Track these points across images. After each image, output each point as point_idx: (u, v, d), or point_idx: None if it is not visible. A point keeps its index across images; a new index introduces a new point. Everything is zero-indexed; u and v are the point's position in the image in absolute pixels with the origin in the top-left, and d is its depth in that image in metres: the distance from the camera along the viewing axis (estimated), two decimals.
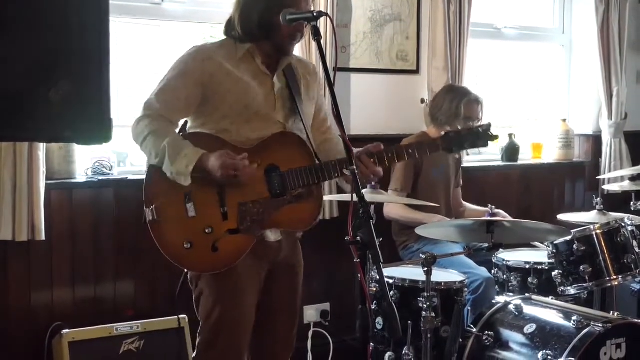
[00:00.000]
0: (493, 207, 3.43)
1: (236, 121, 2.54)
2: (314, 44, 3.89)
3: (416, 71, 4.64)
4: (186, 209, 2.47)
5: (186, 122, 2.65)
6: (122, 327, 3.55)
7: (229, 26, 2.62)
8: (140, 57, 4.21)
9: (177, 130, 2.63)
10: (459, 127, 2.71)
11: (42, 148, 3.47)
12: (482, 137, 2.69)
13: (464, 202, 4.44)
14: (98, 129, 1.09)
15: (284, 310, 2.75)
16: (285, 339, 2.78)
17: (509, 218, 3.98)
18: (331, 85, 2.34)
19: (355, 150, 2.43)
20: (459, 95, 4.11)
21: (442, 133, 2.69)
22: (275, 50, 2.59)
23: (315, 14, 2.37)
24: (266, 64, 2.61)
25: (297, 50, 3.99)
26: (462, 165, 4.48)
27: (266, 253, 2.59)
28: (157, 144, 2.44)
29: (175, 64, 2.58)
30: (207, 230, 2.48)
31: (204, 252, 2.49)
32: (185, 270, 2.61)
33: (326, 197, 3.86)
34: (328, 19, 2.55)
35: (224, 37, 2.65)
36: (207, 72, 2.52)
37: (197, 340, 2.64)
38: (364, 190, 2.34)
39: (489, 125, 2.71)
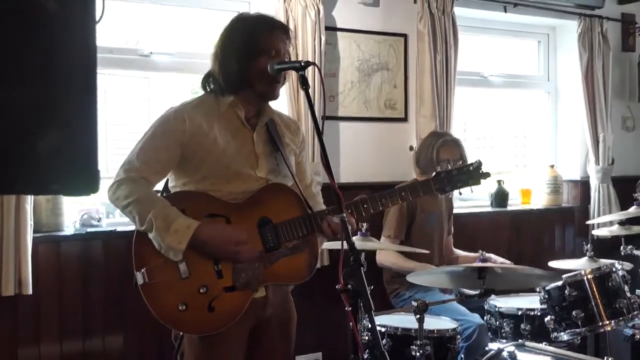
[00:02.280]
0: (484, 252, 3.42)
1: (216, 182, 2.49)
2: (302, 93, 3.94)
3: (404, 119, 4.68)
4: (179, 269, 2.40)
5: (167, 180, 2.61)
6: None
7: (208, 80, 2.59)
8: (129, 108, 4.23)
9: (160, 189, 2.59)
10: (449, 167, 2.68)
11: (29, 201, 3.45)
12: (474, 175, 2.67)
13: (455, 250, 4.43)
14: (86, 180, 1.08)
15: None
16: None
17: (501, 260, 3.99)
18: (320, 134, 2.34)
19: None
20: (435, 139, 4.17)
21: (433, 174, 2.67)
22: (259, 98, 2.57)
23: (303, 64, 2.37)
24: (248, 117, 2.57)
25: (285, 98, 4.03)
26: (453, 212, 4.48)
27: (251, 310, 2.48)
28: (142, 213, 2.38)
29: (155, 123, 2.52)
30: (201, 290, 2.41)
31: (200, 313, 2.41)
32: (181, 333, 2.53)
33: None
34: (316, 68, 2.55)
35: (202, 93, 2.62)
36: (188, 132, 2.46)
37: None
38: (354, 238, 2.32)
39: (479, 163, 2.68)
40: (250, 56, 2.48)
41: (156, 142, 2.48)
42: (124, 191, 2.40)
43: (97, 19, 1.12)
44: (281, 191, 2.58)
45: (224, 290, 2.44)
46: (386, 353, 2.26)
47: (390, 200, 2.61)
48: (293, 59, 3.93)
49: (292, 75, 3.94)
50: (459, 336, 3.42)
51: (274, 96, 2.60)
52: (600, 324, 3.46)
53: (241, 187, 2.51)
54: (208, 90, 2.60)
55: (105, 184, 2.40)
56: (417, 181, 2.65)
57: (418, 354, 3.01)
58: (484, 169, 2.71)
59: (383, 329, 3.26)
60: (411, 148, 4.60)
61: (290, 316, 2.72)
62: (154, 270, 2.41)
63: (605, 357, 3.17)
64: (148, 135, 2.50)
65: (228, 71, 2.51)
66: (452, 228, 4.44)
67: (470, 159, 4.26)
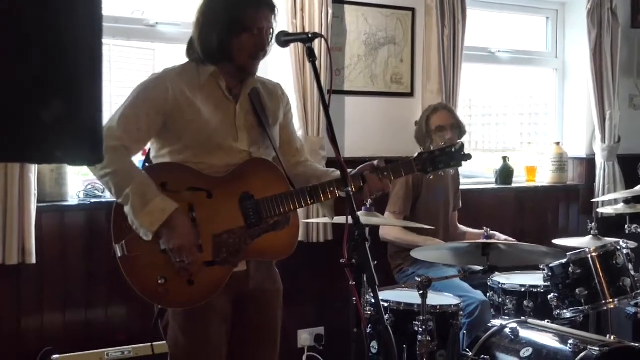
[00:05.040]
0: (488, 229, 3.42)
1: (199, 153, 2.46)
2: (307, 66, 3.91)
3: (410, 94, 4.65)
4: (158, 243, 2.38)
5: (149, 150, 2.58)
6: (113, 352, 3.51)
7: (191, 47, 2.55)
8: (134, 79, 4.19)
9: (143, 161, 2.58)
10: (434, 144, 2.64)
11: (33, 171, 3.44)
12: (455, 157, 2.60)
13: (459, 226, 4.42)
14: (90, 149, 1.07)
15: (259, 340, 2.66)
16: None
17: (504, 238, 3.99)
18: (326, 107, 2.31)
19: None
20: (427, 109, 4.18)
21: (415, 155, 2.64)
22: (239, 71, 2.53)
23: (310, 36, 2.34)
24: (230, 88, 2.53)
25: (291, 71, 4.00)
26: (460, 188, 4.47)
27: (232, 283, 2.48)
28: (120, 185, 2.35)
29: (137, 89, 2.49)
30: None
31: (179, 286, 2.40)
32: (160, 306, 2.53)
33: (320, 220, 3.84)
34: (323, 40, 2.51)
35: (186, 60, 2.57)
36: (170, 101, 2.43)
37: None
38: (358, 213, 2.30)
39: (461, 145, 2.63)
40: (233, 31, 2.44)
41: (137, 110, 2.44)
42: (103, 160, 2.36)
43: None
44: (264, 166, 2.55)
45: (204, 264, 2.42)
46: (389, 328, 2.26)
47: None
48: (299, 31, 3.93)
49: (299, 47, 3.92)
50: (461, 312, 3.43)
51: (253, 72, 2.55)
52: (604, 302, 3.47)
53: (224, 160, 2.49)
54: (191, 58, 2.56)
55: None
56: (400, 162, 2.62)
57: (420, 329, 3.02)
58: (467, 150, 2.64)
59: (386, 304, 3.26)
60: (416, 123, 4.58)
61: (275, 288, 2.70)
62: (134, 243, 2.39)
63: (608, 335, 3.17)
64: (129, 102, 2.46)
65: (208, 43, 2.47)
66: (460, 203, 4.43)
67: (475, 135, 4.28)
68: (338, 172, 2.47)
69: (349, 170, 2.44)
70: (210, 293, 2.43)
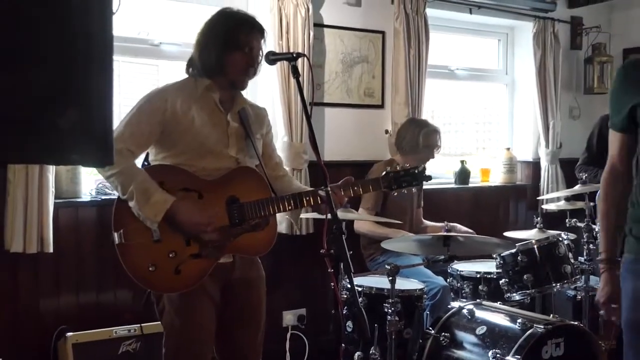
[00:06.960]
0: (448, 223, 3.43)
1: (192, 157, 2.46)
2: (292, 81, 3.90)
3: (381, 106, 4.65)
4: (152, 234, 2.39)
5: (148, 154, 2.58)
6: (121, 330, 3.47)
7: (190, 65, 2.57)
8: (140, 92, 4.16)
9: (142, 160, 2.58)
10: (401, 165, 2.64)
11: (51, 170, 3.41)
12: (417, 177, 2.61)
13: (424, 220, 4.43)
14: (101, 153, 1.06)
15: (245, 320, 2.64)
16: (251, 345, 2.67)
17: (465, 229, 4.01)
18: (308, 117, 2.32)
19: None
20: (419, 126, 4.14)
21: (383, 173, 2.62)
22: (230, 85, 2.54)
23: (294, 55, 2.35)
24: (222, 102, 2.54)
25: (277, 86, 3.99)
26: (423, 188, 4.48)
27: (218, 273, 2.49)
28: (125, 183, 2.36)
29: (141, 101, 2.50)
30: (170, 255, 2.39)
31: (167, 274, 2.40)
32: (149, 290, 2.53)
33: (303, 215, 3.84)
34: (305, 59, 2.51)
35: (186, 76, 2.59)
36: (168, 112, 2.44)
37: (163, 350, 2.54)
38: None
39: (423, 168, 2.64)
40: (228, 49, 2.46)
41: (141, 118, 2.45)
42: (113, 163, 2.36)
43: (113, 10, 1.10)
44: (250, 174, 2.56)
45: (190, 256, 2.42)
46: (362, 310, 2.26)
47: (345, 191, 2.56)
48: (285, 51, 3.92)
49: (284, 65, 3.91)
50: (425, 296, 3.44)
51: (243, 86, 2.58)
52: (547, 286, 3.50)
53: (214, 164, 2.49)
54: (190, 74, 2.58)
55: None
56: (369, 179, 2.64)
57: (390, 310, 3.02)
58: (427, 172, 2.67)
59: (360, 289, 3.25)
60: (386, 131, 4.58)
61: (258, 275, 2.69)
62: (130, 232, 2.40)
63: (551, 315, 3.20)
64: (134, 112, 2.47)
65: (207, 59, 2.49)
66: (422, 202, 4.44)
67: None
68: (307, 188, 2.58)
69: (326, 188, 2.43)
70: (194, 282, 2.43)
